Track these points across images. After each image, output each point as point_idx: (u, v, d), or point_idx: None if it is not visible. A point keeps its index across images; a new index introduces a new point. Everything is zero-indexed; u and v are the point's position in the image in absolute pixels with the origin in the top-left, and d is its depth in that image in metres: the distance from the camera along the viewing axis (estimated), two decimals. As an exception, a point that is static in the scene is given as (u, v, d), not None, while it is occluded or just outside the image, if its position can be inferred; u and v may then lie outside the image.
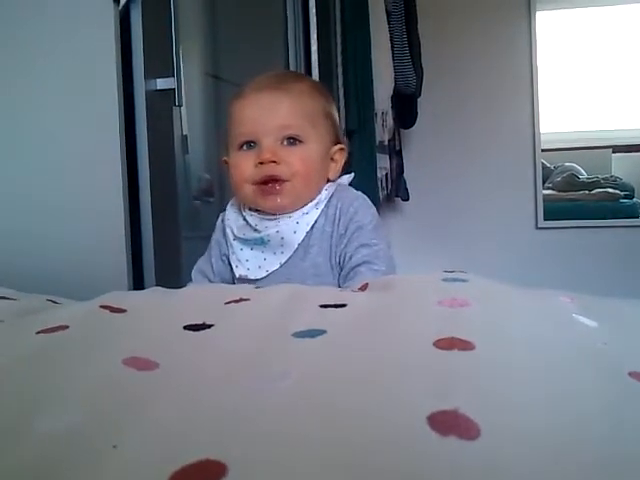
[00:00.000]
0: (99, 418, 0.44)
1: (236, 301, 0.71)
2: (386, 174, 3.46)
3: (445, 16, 3.97)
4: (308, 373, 0.49)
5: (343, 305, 0.66)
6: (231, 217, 1.21)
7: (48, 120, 1.52)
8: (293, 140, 1.13)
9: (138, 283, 1.54)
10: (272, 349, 0.55)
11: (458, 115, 4.00)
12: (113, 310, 0.70)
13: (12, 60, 1.52)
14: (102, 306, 0.72)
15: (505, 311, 0.63)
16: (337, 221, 1.14)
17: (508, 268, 3.61)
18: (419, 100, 3.68)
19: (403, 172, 3.78)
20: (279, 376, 0.48)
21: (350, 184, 1.27)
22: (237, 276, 1.18)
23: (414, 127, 3.79)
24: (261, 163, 1.12)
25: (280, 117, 1.13)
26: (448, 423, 0.38)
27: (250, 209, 1.19)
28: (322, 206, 1.15)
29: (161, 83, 1.60)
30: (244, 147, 1.15)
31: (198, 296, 0.78)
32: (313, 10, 2.57)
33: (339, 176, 1.25)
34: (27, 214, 1.54)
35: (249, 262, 1.16)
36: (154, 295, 0.83)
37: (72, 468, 0.37)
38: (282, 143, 1.13)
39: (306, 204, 1.15)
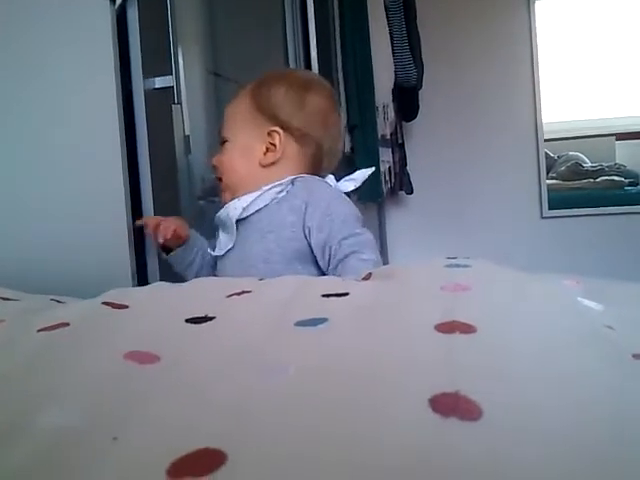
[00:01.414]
0: (100, 412, 0.44)
1: (238, 294, 0.71)
2: (389, 167, 3.46)
3: (444, 7, 3.96)
4: (309, 362, 0.48)
5: (345, 294, 0.66)
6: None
7: (46, 122, 1.51)
8: (223, 142, 1.32)
9: (142, 285, 1.53)
10: (274, 339, 0.55)
11: (460, 107, 4.00)
12: (115, 306, 0.70)
13: (8, 61, 1.52)
14: (104, 303, 0.72)
15: (508, 294, 0.63)
16: (303, 213, 1.18)
17: (513, 258, 3.59)
18: (420, 92, 3.68)
19: (406, 165, 3.77)
20: (280, 366, 0.47)
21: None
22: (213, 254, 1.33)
23: (416, 120, 3.79)
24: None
25: (224, 122, 1.34)
26: (450, 405, 0.38)
27: None
28: (268, 188, 1.24)
29: (160, 81, 1.60)
30: None
31: (200, 289, 0.78)
32: (311, 5, 2.57)
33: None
34: (26, 216, 1.53)
35: (220, 242, 1.30)
36: (156, 290, 0.83)
37: (74, 461, 0.37)
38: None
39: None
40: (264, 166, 1.28)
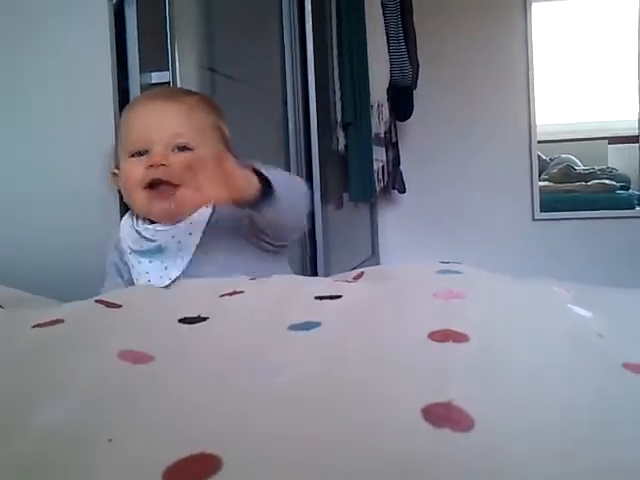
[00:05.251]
0: (95, 412, 0.44)
1: (230, 294, 0.71)
2: (382, 166, 3.46)
3: (441, 8, 3.96)
4: (303, 367, 0.49)
5: (338, 296, 0.66)
6: (125, 231, 1.17)
7: (43, 117, 1.51)
8: (184, 148, 1.10)
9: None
10: (268, 342, 0.55)
11: (454, 107, 4.00)
12: (109, 305, 0.70)
13: (6, 57, 1.51)
14: (97, 301, 0.72)
15: (500, 303, 0.63)
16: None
17: (505, 260, 3.61)
18: (415, 92, 3.68)
19: (399, 164, 3.77)
20: (275, 371, 0.48)
21: None
22: None
23: (410, 119, 3.78)
24: (151, 166, 1.08)
25: (171, 125, 1.11)
26: (442, 415, 0.38)
27: (143, 221, 1.15)
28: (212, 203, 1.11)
29: (156, 77, 1.59)
30: (135, 155, 1.11)
31: (192, 289, 0.78)
32: (309, 2, 2.56)
33: None
34: (23, 213, 1.53)
35: (149, 274, 1.13)
36: (149, 290, 0.83)
37: (68, 461, 0.38)
38: (173, 150, 1.09)
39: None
40: None
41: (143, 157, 1.10)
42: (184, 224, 1.11)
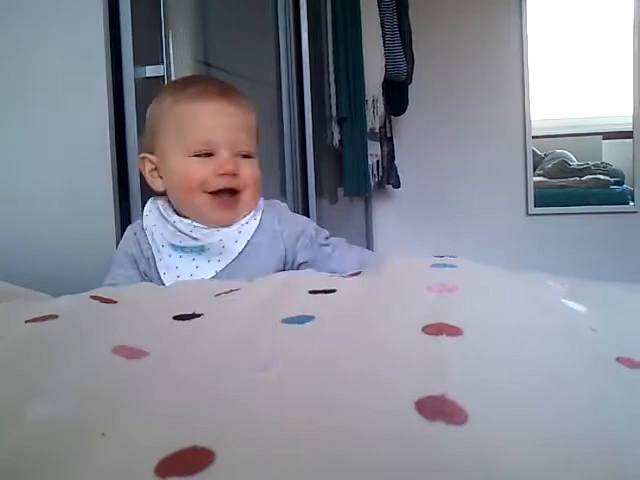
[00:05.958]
0: (88, 406, 0.44)
1: (226, 292, 0.71)
2: (377, 161, 3.47)
3: (436, 3, 3.96)
4: (296, 361, 0.49)
5: (332, 291, 0.66)
6: (157, 223, 1.15)
7: (36, 110, 1.51)
8: (245, 155, 1.13)
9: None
10: (261, 336, 0.55)
11: (449, 102, 4.00)
12: (103, 301, 0.70)
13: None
14: (92, 297, 0.72)
15: (494, 296, 0.63)
16: (280, 234, 1.14)
17: (499, 255, 3.62)
18: (410, 87, 3.68)
19: (394, 159, 3.78)
20: (267, 364, 0.48)
21: None
22: (166, 284, 1.10)
23: (405, 114, 3.79)
24: (223, 174, 1.09)
25: (238, 131, 1.12)
26: (435, 408, 0.38)
27: (179, 214, 1.14)
28: (258, 216, 1.15)
29: (150, 70, 1.59)
30: (201, 156, 1.10)
31: (189, 289, 0.78)
32: (303, -3, 2.56)
33: None
34: (20, 209, 1.53)
35: (179, 269, 1.11)
36: (145, 288, 0.83)
37: (61, 455, 0.37)
38: (237, 156, 1.11)
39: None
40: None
41: (208, 159, 1.09)
42: (233, 230, 1.11)
